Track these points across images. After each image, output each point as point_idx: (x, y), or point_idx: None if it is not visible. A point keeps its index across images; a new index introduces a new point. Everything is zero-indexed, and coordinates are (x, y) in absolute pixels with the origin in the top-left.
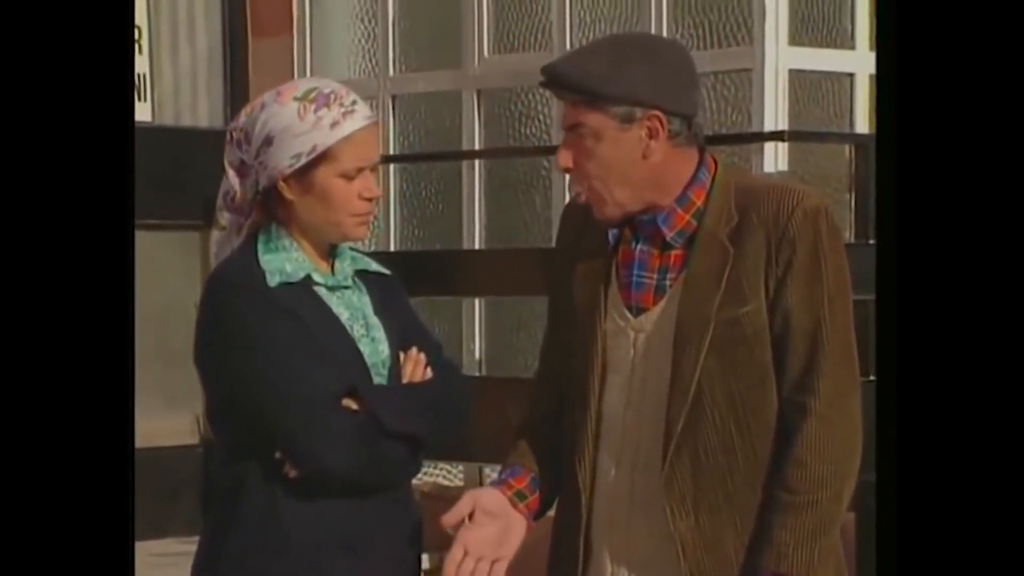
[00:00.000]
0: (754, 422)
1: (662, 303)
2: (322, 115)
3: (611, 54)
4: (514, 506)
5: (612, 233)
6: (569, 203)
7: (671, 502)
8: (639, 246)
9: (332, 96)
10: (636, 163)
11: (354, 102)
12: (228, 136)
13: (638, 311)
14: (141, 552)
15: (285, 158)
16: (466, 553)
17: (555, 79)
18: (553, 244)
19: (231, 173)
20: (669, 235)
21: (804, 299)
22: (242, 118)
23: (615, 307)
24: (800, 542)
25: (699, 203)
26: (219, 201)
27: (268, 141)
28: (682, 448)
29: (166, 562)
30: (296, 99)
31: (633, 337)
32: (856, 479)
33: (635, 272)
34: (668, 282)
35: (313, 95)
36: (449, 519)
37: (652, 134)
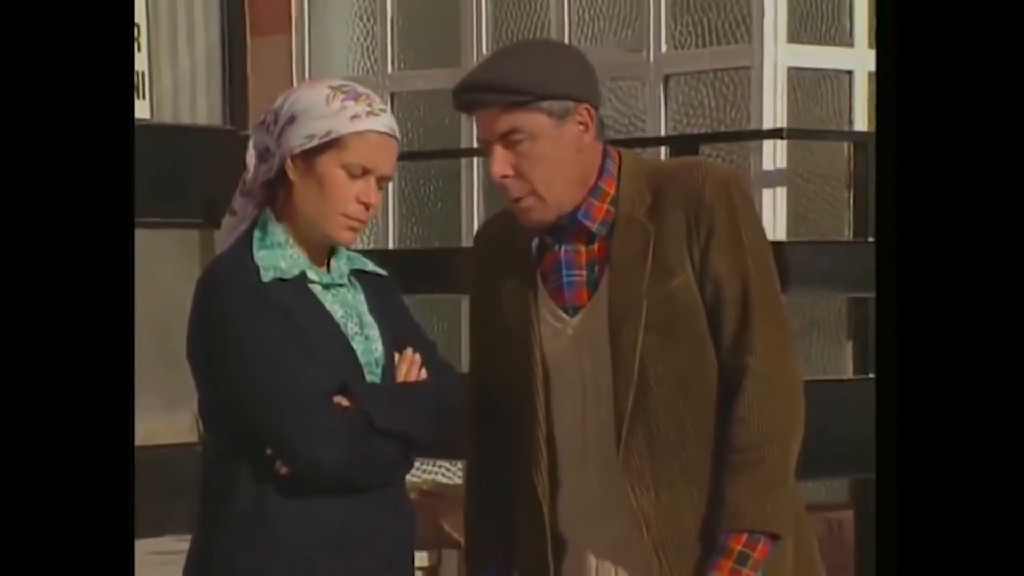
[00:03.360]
0: (699, 393)
1: (596, 296)
2: (347, 105)
3: (530, 56)
4: None
5: (535, 244)
6: (482, 226)
7: (631, 481)
8: (563, 247)
9: (364, 96)
10: (573, 158)
11: (383, 110)
12: (261, 119)
13: (574, 310)
14: (140, 550)
15: (299, 137)
16: None
17: (488, 87)
18: None
19: (251, 155)
20: (593, 226)
21: (729, 263)
22: (277, 102)
23: (549, 312)
24: (752, 498)
25: (611, 191)
26: (238, 188)
27: (291, 119)
28: (635, 426)
29: (165, 560)
30: (330, 87)
31: (572, 336)
32: (801, 430)
33: (564, 273)
34: (598, 274)
35: (347, 88)
36: None
37: (585, 128)
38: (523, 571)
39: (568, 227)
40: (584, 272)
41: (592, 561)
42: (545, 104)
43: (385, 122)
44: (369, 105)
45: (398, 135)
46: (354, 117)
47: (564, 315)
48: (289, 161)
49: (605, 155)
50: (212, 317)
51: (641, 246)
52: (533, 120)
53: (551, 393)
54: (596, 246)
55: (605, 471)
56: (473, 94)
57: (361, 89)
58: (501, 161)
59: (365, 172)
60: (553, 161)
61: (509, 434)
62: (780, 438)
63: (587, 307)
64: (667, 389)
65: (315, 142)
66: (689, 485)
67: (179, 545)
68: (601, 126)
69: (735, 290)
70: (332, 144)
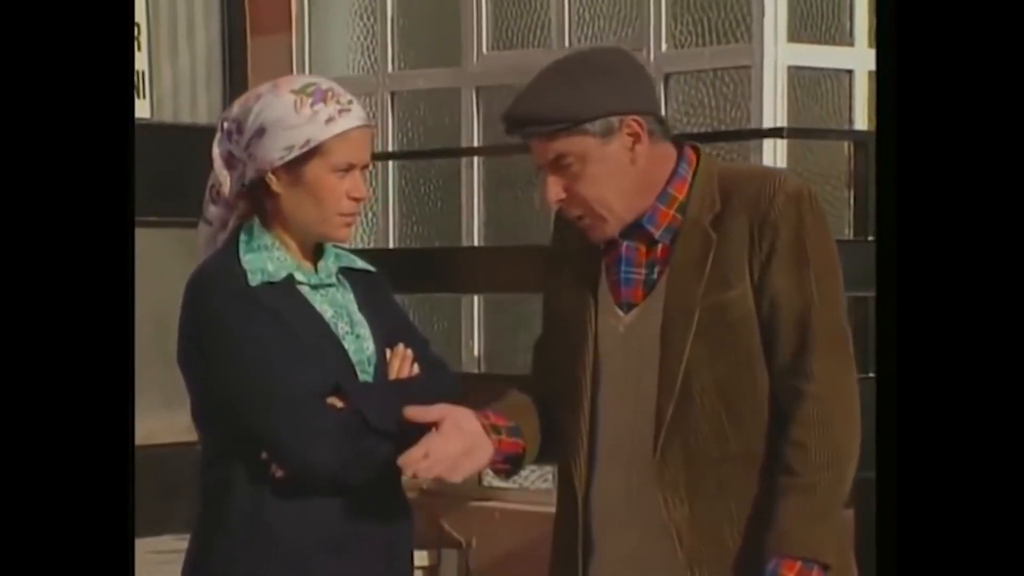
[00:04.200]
0: (744, 408)
1: (651, 297)
2: (318, 109)
3: (565, 78)
4: (486, 433)
5: None
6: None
7: (664, 492)
8: (625, 242)
9: (329, 93)
10: (627, 171)
11: (350, 101)
12: (219, 126)
13: (628, 307)
14: (140, 549)
15: (276, 149)
16: (426, 456)
17: (526, 119)
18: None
19: (219, 164)
20: (657, 233)
21: (791, 282)
22: (235, 109)
23: (606, 305)
24: (803, 524)
25: (681, 196)
26: (206, 195)
27: (260, 132)
28: (672, 436)
29: (165, 559)
30: (293, 92)
31: (624, 333)
32: (857, 460)
33: (623, 268)
34: (657, 275)
35: (311, 89)
36: (413, 413)
37: (636, 139)
38: (553, 564)
39: (635, 230)
40: (643, 271)
41: (612, 566)
42: (588, 125)
43: (357, 115)
44: (338, 102)
45: (369, 121)
46: (329, 120)
47: (619, 311)
48: (270, 174)
49: (680, 157)
50: (201, 322)
51: (701, 253)
52: (579, 143)
53: (598, 385)
54: (659, 247)
55: (635, 477)
56: (516, 128)
57: (324, 85)
58: (553, 186)
59: (350, 167)
60: (606, 180)
61: (561, 418)
62: (835, 465)
63: (640, 307)
64: (711, 401)
65: (295, 153)
66: (727, 500)
67: (178, 544)
68: (660, 126)
69: (794, 311)
70: (314, 152)
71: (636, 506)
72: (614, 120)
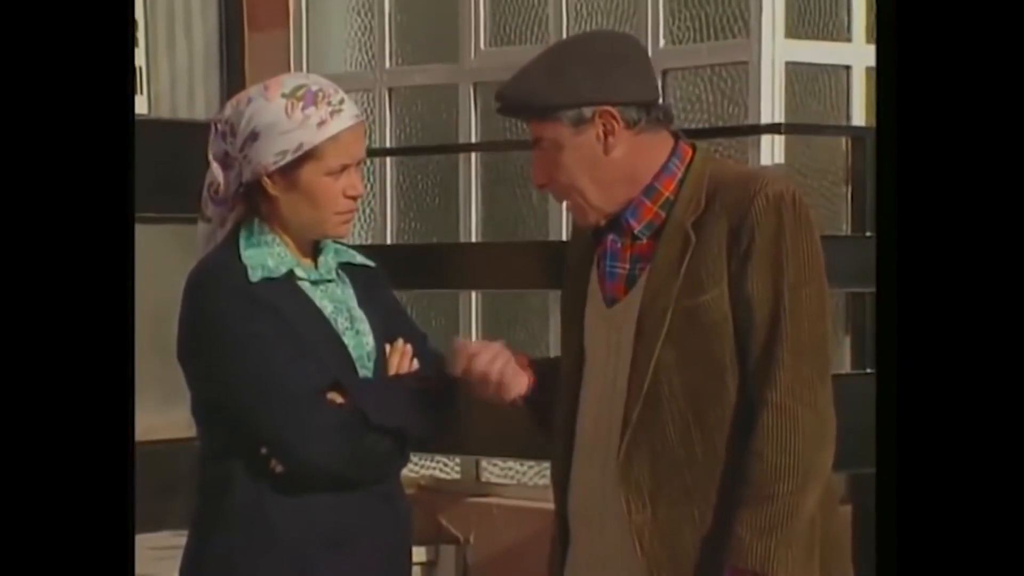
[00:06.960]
0: (712, 414)
1: (631, 293)
2: (309, 113)
3: (547, 64)
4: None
5: None
6: None
7: (628, 494)
8: (611, 235)
9: (320, 94)
10: (600, 162)
11: (341, 101)
12: (212, 127)
13: (611, 302)
14: (138, 545)
15: (270, 154)
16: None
17: (504, 105)
18: (549, 237)
19: (215, 165)
20: (637, 228)
21: (764, 288)
22: (227, 110)
23: (594, 299)
24: (757, 535)
25: (668, 193)
26: (204, 193)
27: (254, 136)
28: (639, 439)
29: (164, 555)
30: (284, 96)
31: (606, 328)
32: (826, 471)
33: (608, 262)
34: (638, 272)
35: (301, 92)
36: (462, 345)
37: (608, 130)
38: (550, 550)
39: (619, 221)
40: (626, 266)
41: (587, 564)
42: (560, 114)
43: (349, 113)
44: (329, 103)
45: (361, 116)
46: (321, 124)
47: (604, 305)
48: (266, 178)
49: (673, 152)
50: (202, 319)
51: (679, 255)
52: (552, 129)
53: (583, 377)
54: (643, 242)
55: (606, 477)
56: (501, 109)
57: (314, 86)
58: (536, 168)
59: (344, 167)
60: (578, 170)
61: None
62: (794, 476)
63: (622, 302)
64: (679, 405)
65: (289, 158)
66: (691, 506)
67: (177, 540)
68: (648, 115)
69: (765, 316)
70: (307, 156)
71: (606, 506)
72: (586, 111)
